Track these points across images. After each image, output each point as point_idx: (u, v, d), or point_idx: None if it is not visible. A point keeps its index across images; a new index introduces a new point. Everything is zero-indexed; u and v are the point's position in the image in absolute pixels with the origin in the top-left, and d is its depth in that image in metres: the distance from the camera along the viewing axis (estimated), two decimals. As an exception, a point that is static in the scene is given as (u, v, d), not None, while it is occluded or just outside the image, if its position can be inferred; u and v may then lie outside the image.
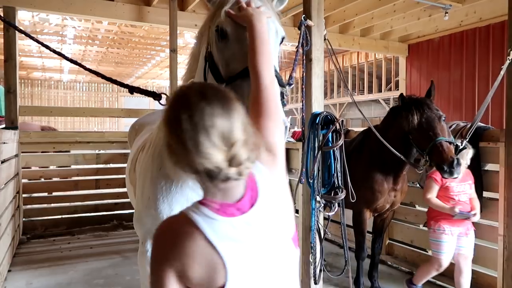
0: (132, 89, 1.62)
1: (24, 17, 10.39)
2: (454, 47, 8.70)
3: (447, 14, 6.75)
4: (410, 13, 7.24)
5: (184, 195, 1.85)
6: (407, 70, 9.71)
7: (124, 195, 5.88)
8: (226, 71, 1.53)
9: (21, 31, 1.92)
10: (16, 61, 5.48)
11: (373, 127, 3.19)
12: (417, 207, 4.51)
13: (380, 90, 14.42)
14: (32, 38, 1.94)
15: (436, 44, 8.99)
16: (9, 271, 4.37)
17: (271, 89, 1.27)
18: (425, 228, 3.78)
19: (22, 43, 13.22)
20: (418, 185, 4.29)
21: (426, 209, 3.58)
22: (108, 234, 5.75)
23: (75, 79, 24.72)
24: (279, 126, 1.26)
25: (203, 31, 1.80)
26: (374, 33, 8.35)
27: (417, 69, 9.49)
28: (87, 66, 2.00)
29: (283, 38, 1.63)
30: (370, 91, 15.08)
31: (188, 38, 13.94)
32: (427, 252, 4.29)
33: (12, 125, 5.36)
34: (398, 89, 11.55)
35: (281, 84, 1.49)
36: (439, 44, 8.96)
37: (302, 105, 2.80)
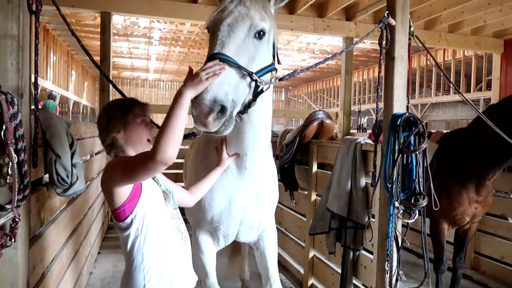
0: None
1: (117, 21, 11.32)
2: (561, 42, 7.72)
3: (553, 6, 6.00)
4: (508, 5, 6.56)
5: (223, 184, 2.15)
6: (502, 69, 8.83)
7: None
8: None
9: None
10: (110, 61, 5.99)
11: (482, 114, 2.91)
12: (510, 220, 4.09)
13: (468, 90, 13.29)
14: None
15: (539, 39, 8.05)
16: (98, 253, 4.81)
17: (153, 162, 1.44)
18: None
19: (114, 45, 14.42)
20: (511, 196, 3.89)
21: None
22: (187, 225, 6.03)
23: (159, 78, 26.37)
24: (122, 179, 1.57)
25: None
26: (464, 29, 7.72)
27: (514, 67, 8.59)
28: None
29: (260, 32, 1.74)
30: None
31: (265, 37, 14.07)
32: (521, 270, 3.88)
33: (104, 120, 5.86)
34: (490, 89, 10.56)
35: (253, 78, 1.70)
36: (542, 39, 8.01)
37: (376, 106, 2.68)
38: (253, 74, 1.70)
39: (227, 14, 1.72)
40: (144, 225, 1.65)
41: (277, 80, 1.89)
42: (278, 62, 1.93)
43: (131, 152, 1.74)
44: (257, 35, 1.74)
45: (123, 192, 1.61)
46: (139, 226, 1.65)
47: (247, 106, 1.78)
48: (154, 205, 1.70)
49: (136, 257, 1.67)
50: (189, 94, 1.48)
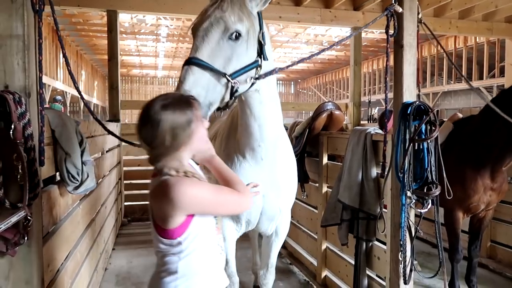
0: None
1: (124, 19, 11.35)
2: None
3: None
4: (520, -12, 6.41)
5: (242, 174, 2.26)
6: (515, 54, 8.63)
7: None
8: None
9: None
10: (118, 59, 6.01)
11: (491, 103, 2.85)
12: (526, 208, 4.02)
13: (481, 78, 13.08)
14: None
15: (553, 22, 7.83)
16: (113, 249, 4.86)
17: (238, 196, 1.58)
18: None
19: (122, 43, 14.51)
20: (527, 183, 3.81)
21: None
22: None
23: (168, 75, 26.48)
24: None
25: None
26: (475, 14, 7.55)
27: (528, 52, 8.38)
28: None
29: (236, 34, 1.79)
30: (469, 78, 13.75)
31: (272, 30, 14.03)
32: (538, 258, 3.81)
33: (114, 118, 5.92)
34: (503, 76, 10.35)
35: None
36: (556, 22, 7.80)
37: (386, 95, 2.64)
38: (227, 76, 1.75)
39: (205, 18, 1.81)
40: (190, 246, 1.50)
41: (264, 76, 1.96)
42: (265, 58, 1.94)
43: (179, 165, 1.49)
44: (232, 36, 1.79)
45: (180, 218, 1.45)
46: (184, 247, 1.49)
47: (225, 104, 1.86)
48: (205, 225, 1.55)
49: (170, 268, 1.52)
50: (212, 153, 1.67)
